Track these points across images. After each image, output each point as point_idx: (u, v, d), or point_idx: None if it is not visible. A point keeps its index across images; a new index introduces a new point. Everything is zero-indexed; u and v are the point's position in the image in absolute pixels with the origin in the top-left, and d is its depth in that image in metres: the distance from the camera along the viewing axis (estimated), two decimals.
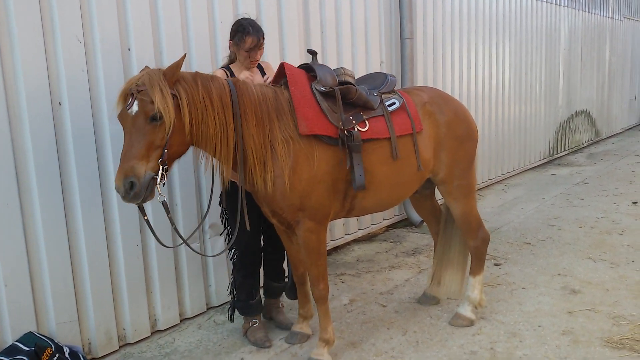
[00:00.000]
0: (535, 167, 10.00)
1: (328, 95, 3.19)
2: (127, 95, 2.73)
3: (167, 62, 3.76)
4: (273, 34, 4.65)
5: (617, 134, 14.33)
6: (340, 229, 5.60)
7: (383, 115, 3.35)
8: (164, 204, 2.82)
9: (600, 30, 12.51)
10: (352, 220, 5.74)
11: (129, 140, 2.69)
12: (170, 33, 3.86)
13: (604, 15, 12.65)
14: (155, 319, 3.94)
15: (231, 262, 3.88)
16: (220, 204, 3.18)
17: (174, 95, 2.72)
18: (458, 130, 3.67)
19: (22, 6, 3.12)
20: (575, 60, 11.34)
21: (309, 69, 3.31)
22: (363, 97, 3.28)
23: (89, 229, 3.49)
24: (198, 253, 3.47)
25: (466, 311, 3.88)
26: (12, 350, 3.03)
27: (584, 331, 3.69)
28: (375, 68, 5.88)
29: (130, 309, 3.74)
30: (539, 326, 3.80)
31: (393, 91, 3.52)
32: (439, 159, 3.63)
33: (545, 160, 10.35)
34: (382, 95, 3.44)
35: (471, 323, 3.85)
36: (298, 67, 3.35)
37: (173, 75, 2.76)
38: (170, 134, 2.70)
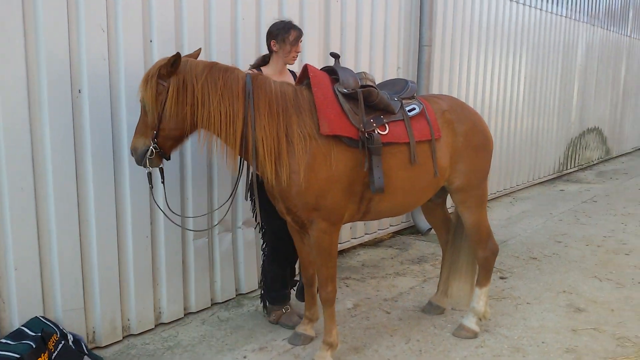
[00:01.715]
0: (544, 181, 9.97)
1: (350, 97, 3.21)
2: None
3: None
4: None
5: (627, 153, 14.28)
6: (346, 233, 5.59)
7: (403, 120, 3.37)
8: (148, 175, 3.20)
9: (617, 48, 12.47)
10: (359, 225, 5.73)
11: (140, 117, 3.11)
12: (192, 27, 3.88)
13: (622, 33, 12.60)
14: (160, 312, 3.95)
15: (262, 253, 4.08)
16: (246, 199, 3.34)
17: (164, 86, 2.96)
18: (475, 140, 3.67)
19: None
20: (590, 77, 11.30)
21: (331, 72, 3.32)
22: (384, 100, 3.29)
23: (101, 217, 3.50)
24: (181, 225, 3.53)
25: (470, 323, 3.87)
26: (18, 334, 3.03)
27: (587, 350, 3.67)
28: (392, 73, 5.88)
29: (136, 300, 3.75)
30: (543, 342, 3.78)
31: (413, 97, 3.53)
32: (455, 167, 3.63)
33: (554, 176, 10.32)
34: (403, 101, 3.45)
35: (475, 335, 3.84)
36: (321, 69, 3.37)
37: (166, 68, 2.95)
38: (159, 120, 2.99)
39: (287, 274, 4.03)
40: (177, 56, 2.95)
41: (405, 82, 3.60)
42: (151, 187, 3.24)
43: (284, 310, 4.02)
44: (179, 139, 3.16)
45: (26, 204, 3.17)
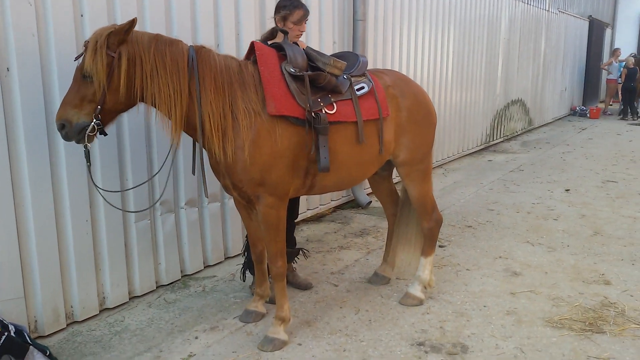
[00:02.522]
0: (472, 152, 10.30)
1: (297, 77, 3.19)
2: (83, 47, 2.86)
3: None
4: (229, 7, 4.55)
5: (548, 123, 14.95)
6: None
7: (351, 99, 3.37)
8: (87, 152, 2.98)
9: (537, 22, 12.95)
10: (301, 201, 5.70)
11: (70, 88, 2.87)
12: (124, 1, 3.70)
13: (541, 7, 13.09)
14: (104, 297, 3.82)
15: None
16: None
17: (113, 57, 2.78)
18: (419, 115, 3.74)
19: None
20: (513, 50, 11.69)
21: (279, 48, 3.27)
22: (332, 82, 3.29)
23: (37, 202, 3.33)
24: (114, 206, 3.50)
25: (416, 291, 3.97)
26: None
27: (526, 312, 3.86)
28: (328, 47, 5.86)
29: (78, 286, 3.61)
30: (484, 306, 3.95)
31: (364, 75, 3.53)
32: (399, 142, 3.68)
33: (482, 147, 10.68)
34: (352, 79, 3.44)
35: (421, 302, 3.96)
36: (269, 45, 3.32)
37: (118, 37, 2.80)
38: (102, 94, 2.80)
39: None
40: (133, 23, 2.82)
41: (357, 57, 3.58)
42: (89, 165, 3.05)
43: None
44: (119, 113, 3.05)
45: None
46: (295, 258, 4.26)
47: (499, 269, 4.63)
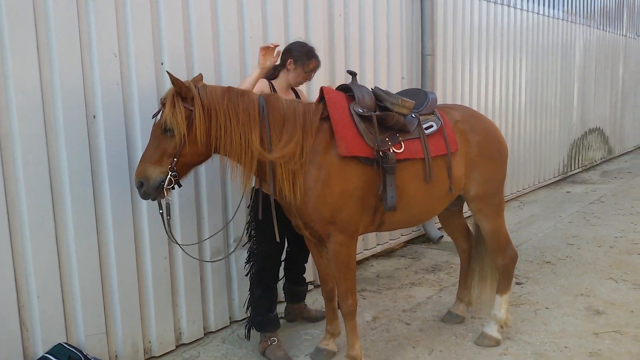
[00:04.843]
0: (549, 184, 9.97)
1: (365, 117, 3.22)
2: (160, 104, 2.96)
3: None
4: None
5: (629, 152, 14.29)
6: (359, 244, 5.57)
7: (419, 137, 3.37)
8: (167, 206, 3.04)
9: (614, 48, 12.52)
10: (371, 236, 5.72)
11: (149, 145, 2.97)
12: (201, 48, 3.89)
13: (618, 33, 12.66)
14: (180, 332, 3.93)
15: (248, 278, 3.87)
16: (248, 207, 3.42)
17: (191, 110, 2.87)
18: (490, 150, 3.69)
19: (61, 20, 3.15)
20: (589, 78, 11.33)
21: (347, 89, 3.34)
22: (400, 121, 3.30)
23: (119, 240, 3.50)
24: (193, 257, 3.59)
25: (492, 331, 3.85)
26: None
27: (611, 354, 3.66)
28: (397, 83, 5.90)
29: (156, 322, 3.74)
30: (566, 347, 3.77)
31: (432, 113, 3.53)
32: (470, 177, 3.64)
33: (559, 178, 10.32)
34: (421, 117, 3.44)
35: (497, 343, 3.83)
36: (337, 87, 3.42)
37: (188, 92, 2.91)
38: (182, 145, 2.88)
39: (272, 296, 3.82)
40: (201, 77, 2.98)
41: (426, 95, 3.58)
42: (169, 218, 3.11)
43: (270, 342, 3.75)
44: (195, 165, 3.13)
45: (45, 230, 3.18)
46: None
47: (581, 308, 4.42)
